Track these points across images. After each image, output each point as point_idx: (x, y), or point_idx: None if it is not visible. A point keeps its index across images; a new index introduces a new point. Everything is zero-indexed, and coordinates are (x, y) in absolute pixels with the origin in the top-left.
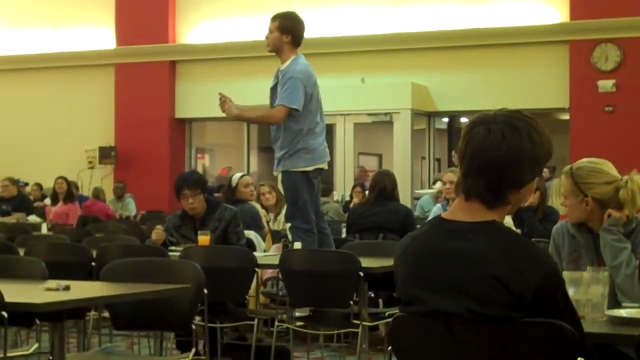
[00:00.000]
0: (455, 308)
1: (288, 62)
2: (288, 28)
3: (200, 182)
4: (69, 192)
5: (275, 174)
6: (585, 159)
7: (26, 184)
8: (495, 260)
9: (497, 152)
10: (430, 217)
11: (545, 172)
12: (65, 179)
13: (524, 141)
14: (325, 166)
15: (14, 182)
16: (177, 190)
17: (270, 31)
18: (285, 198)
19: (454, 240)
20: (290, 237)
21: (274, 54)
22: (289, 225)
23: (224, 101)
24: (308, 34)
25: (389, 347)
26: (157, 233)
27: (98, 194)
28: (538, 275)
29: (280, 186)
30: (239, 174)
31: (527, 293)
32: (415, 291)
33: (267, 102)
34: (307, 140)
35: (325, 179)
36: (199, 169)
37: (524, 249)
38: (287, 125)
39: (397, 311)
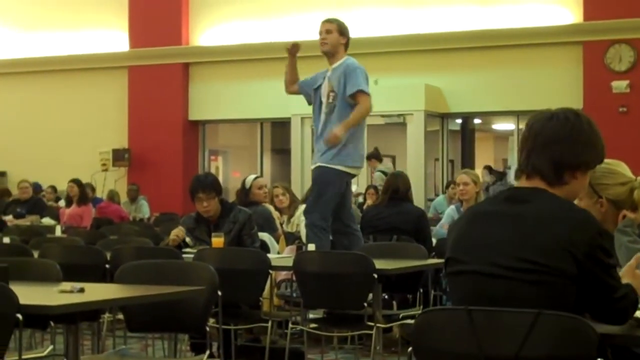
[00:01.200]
0: (496, 269)
1: (341, 60)
2: (345, 31)
3: (215, 185)
4: (82, 194)
5: (312, 167)
6: None
7: (53, 188)
8: (550, 219)
9: (561, 129)
10: (444, 219)
11: None
12: (77, 181)
13: (584, 125)
14: (358, 172)
15: (30, 184)
16: (192, 193)
17: (329, 32)
18: (311, 190)
19: (510, 204)
20: (303, 232)
21: (322, 55)
22: (304, 220)
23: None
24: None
25: (409, 349)
26: (178, 232)
27: (113, 196)
28: (590, 234)
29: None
30: (252, 176)
31: (580, 250)
32: (465, 250)
33: (278, 101)
34: (356, 138)
35: None
36: (212, 171)
37: (577, 210)
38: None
39: (411, 313)
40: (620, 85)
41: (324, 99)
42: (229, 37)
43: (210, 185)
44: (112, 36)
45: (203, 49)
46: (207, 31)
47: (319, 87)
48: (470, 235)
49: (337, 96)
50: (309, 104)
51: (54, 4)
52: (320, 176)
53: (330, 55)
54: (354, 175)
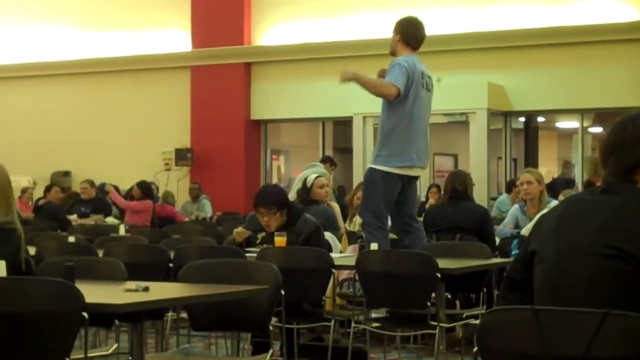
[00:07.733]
0: (579, 253)
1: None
2: (399, 27)
3: (276, 200)
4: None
5: None
6: None
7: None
8: (637, 208)
9: (609, 139)
10: (507, 219)
11: None
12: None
13: (628, 125)
14: (415, 173)
15: (92, 184)
16: (254, 205)
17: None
18: (362, 192)
19: (602, 194)
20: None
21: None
22: (360, 220)
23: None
24: (382, 35)
25: (474, 349)
26: (240, 233)
27: (167, 197)
28: None
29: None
30: (313, 175)
31: None
32: (553, 237)
33: (339, 100)
34: (396, 139)
35: None
36: (274, 171)
37: None
38: (382, 119)
39: (475, 312)
40: None
41: None
42: (291, 37)
43: (271, 201)
44: (175, 36)
45: (265, 48)
46: (269, 31)
47: None
48: (561, 223)
49: None
50: None
51: (116, 5)
52: (367, 178)
53: (395, 55)
54: (406, 176)
